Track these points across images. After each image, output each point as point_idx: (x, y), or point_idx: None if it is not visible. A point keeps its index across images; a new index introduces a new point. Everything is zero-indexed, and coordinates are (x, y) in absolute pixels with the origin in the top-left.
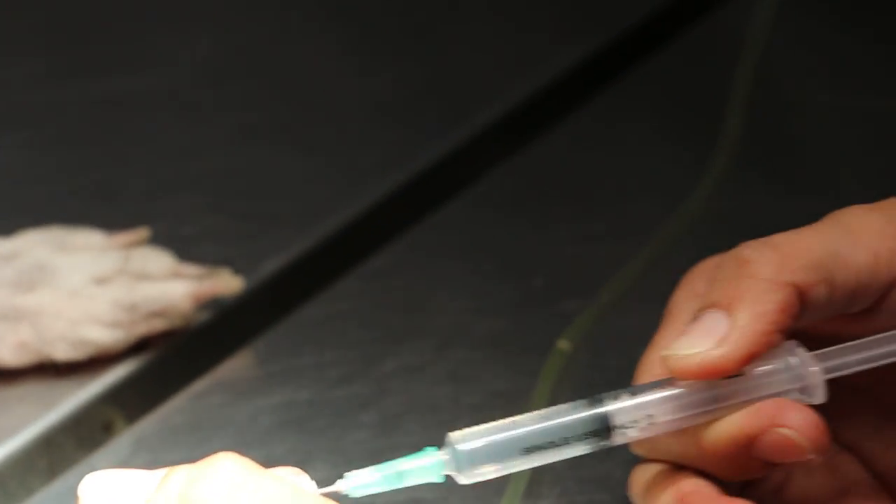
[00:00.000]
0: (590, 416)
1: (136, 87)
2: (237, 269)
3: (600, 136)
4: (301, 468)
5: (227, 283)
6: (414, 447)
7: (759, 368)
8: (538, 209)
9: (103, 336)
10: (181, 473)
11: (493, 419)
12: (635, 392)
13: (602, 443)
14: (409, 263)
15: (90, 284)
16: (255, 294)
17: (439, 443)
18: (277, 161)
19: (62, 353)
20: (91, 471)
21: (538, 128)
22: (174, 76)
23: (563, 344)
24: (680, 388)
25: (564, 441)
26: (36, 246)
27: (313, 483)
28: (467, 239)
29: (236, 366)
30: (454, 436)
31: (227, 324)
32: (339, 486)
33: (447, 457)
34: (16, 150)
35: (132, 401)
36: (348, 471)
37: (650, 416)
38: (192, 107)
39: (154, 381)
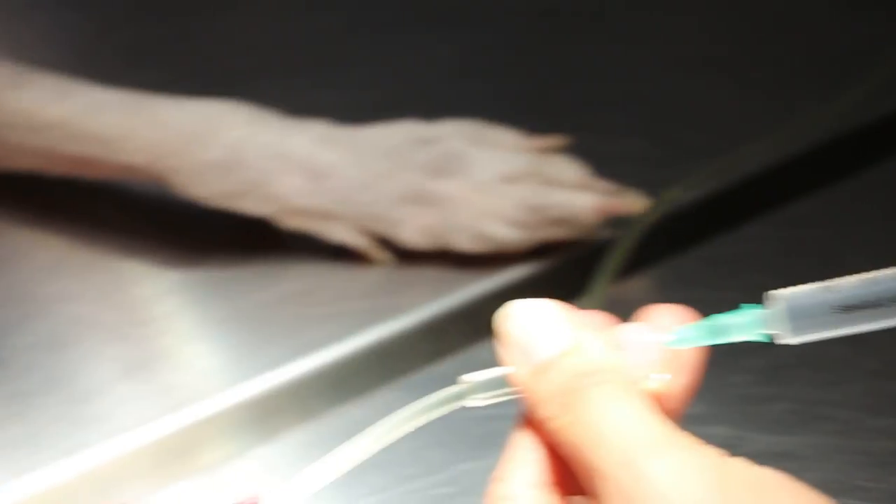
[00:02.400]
0: None
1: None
2: (649, 193)
3: None
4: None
5: (634, 204)
6: (796, 399)
7: None
8: None
9: (504, 233)
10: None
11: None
12: None
13: None
14: (825, 218)
15: (499, 181)
16: (662, 221)
17: None
18: (713, 95)
19: (463, 243)
20: (472, 364)
21: None
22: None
23: None
24: None
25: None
26: (454, 135)
27: (657, 332)
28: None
29: (632, 288)
30: (781, 293)
31: (630, 245)
32: (665, 337)
33: (774, 315)
34: (459, 48)
35: None
36: (724, 410)
37: None
38: (640, 32)
39: (546, 287)
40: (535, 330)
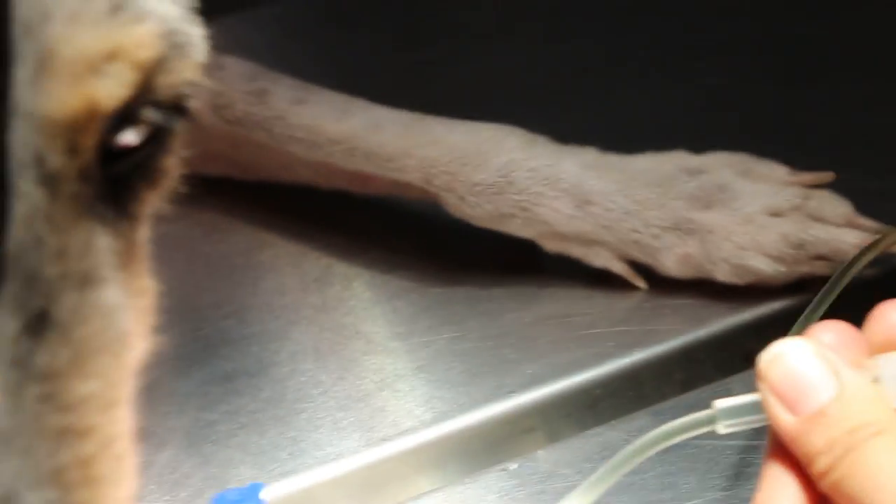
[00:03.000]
0: None
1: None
2: None
3: None
4: None
5: None
6: None
7: None
8: None
9: (766, 267)
10: None
11: None
12: None
13: None
14: None
15: (764, 214)
16: None
17: None
18: None
19: (723, 274)
20: (724, 394)
21: None
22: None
23: None
24: None
25: None
26: (721, 167)
27: None
28: None
29: None
30: None
31: (892, 283)
32: None
33: None
34: (724, 80)
35: (778, 335)
36: None
37: None
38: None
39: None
40: (799, 377)
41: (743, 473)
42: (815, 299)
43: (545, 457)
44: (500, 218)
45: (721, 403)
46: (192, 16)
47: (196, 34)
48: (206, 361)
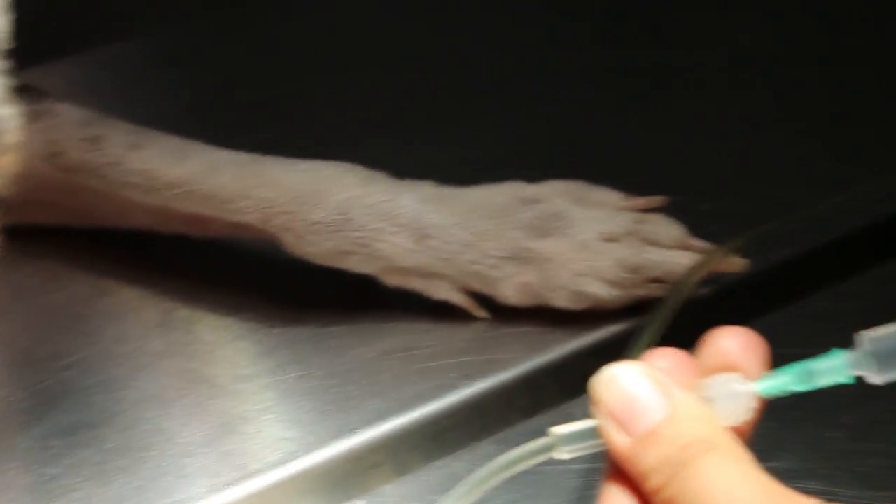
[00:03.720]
0: None
1: (674, 61)
2: (745, 252)
3: None
4: (770, 454)
5: (733, 264)
6: (890, 455)
7: None
8: None
9: (603, 291)
10: None
11: None
12: None
13: None
14: None
15: (599, 240)
16: (757, 278)
17: None
18: (805, 150)
19: (562, 300)
20: (568, 418)
21: None
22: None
23: None
24: None
25: None
26: (556, 195)
27: (746, 382)
28: None
29: None
30: (867, 333)
31: (724, 301)
32: (754, 387)
33: (856, 357)
34: (560, 108)
35: (617, 357)
36: (818, 465)
37: None
38: (734, 90)
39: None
40: (631, 399)
41: (586, 496)
42: (650, 321)
43: (392, 491)
44: (341, 255)
45: (558, 430)
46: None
47: (6, 116)
48: (48, 414)
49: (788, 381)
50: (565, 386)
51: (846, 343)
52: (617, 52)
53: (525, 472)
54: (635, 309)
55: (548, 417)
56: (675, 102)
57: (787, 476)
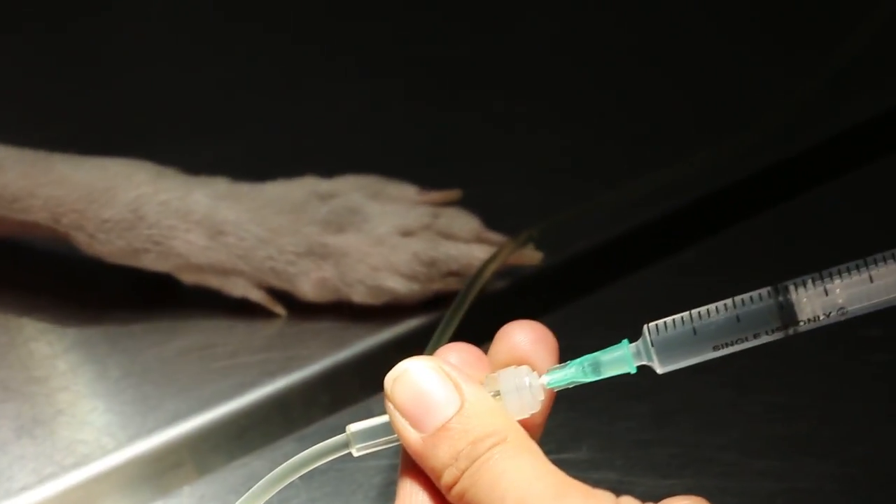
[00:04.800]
0: (779, 311)
1: (468, 56)
2: (539, 244)
3: None
4: (567, 444)
5: (528, 256)
6: (682, 443)
7: None
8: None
9: (400, 286)
10: None
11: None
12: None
13: (790, 330)
14: (711, 266)
15: (395, 234)
16: (551, 270)
17: None
18: (598, 142)
19: (360, 295)
20: (370, 414)
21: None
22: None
23: None
24: None
25: (755, 337)
26: (352, 190)
27: (534, 374)
28: (779, 247)
29: None
30: (650, 326)
31: (522, 294)
32: (542, 379)
33: (641, 348)
34: (357, 102)
35: (418, 351)
36: (614, 455)
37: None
38: (529, 80)
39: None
40: (422, 394)
41: (386, 493)
42: (447, 315)
43: (191, 491)
44: (134, 253)
45: (354, 427)
46: None
47: None
48: None
49: (576, 372)
50: (367, 382)
51: (638, 334)
52: (412, 47)
53: (326, 470)
54: (435, 303)
55: (350, 414)
56: (470, 97)
57: (583, 466)
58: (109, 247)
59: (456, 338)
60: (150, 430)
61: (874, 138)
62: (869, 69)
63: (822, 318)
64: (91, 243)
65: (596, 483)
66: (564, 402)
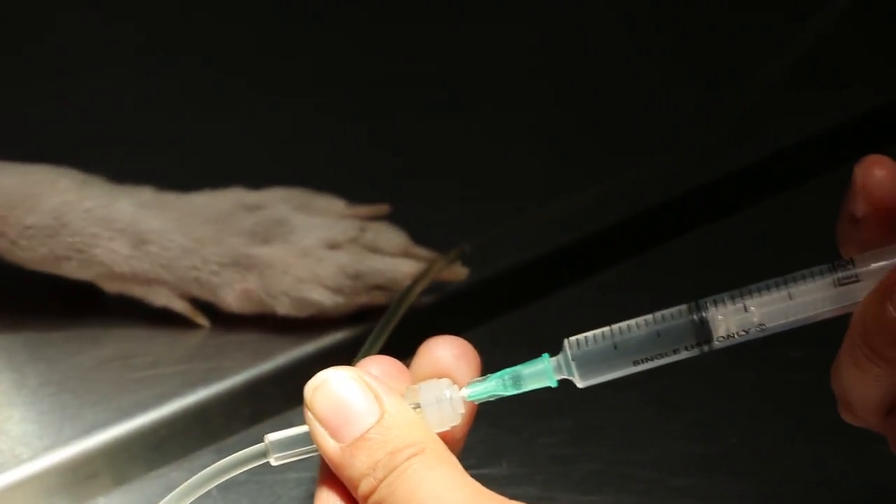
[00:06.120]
0: (699, 328)
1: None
2: (467, 260)
3: None
4: (488, 460)
5: (454, 272)
6: (602, 459)
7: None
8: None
9: (324, 298)
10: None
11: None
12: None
13: (706, 347)
14: (635, 284)
15: (321, 247)
16: (477, 287)
17: None
18: (534, 162)
19: (284, 307)
20: (291, 425)
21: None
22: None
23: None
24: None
25: (674, 352)
26: (279, 202)
27: (455, 387)
28: (700, 269)
29: None
30: (571, 340)
31: (448, 310)
32: (462, 392)
33: (562, 362)
34: (287, 116)
35: (342, 364)
36: (534, 471)
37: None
38: (459, 97)
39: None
40: (341, 404)
41: None
42: (375, 329)
43: (106, 502)
44: (56, 261)
45: (273, 436)
46: None
47: None
48: None
49: (496, 385)
50: (288, 394)
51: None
52: (343, 62)
53: (244, 481)
54: (360, 317)
55: (271, 425)
56: (400, 112)
57: (503, 482)
58: (31, 254)
59: (384, 352)
60: (67, 440)
61: (797, 163)
62: (793, 95)
63: (739, 334)
64: (12, 249)
65: (515, 498)
66: (485, 418)
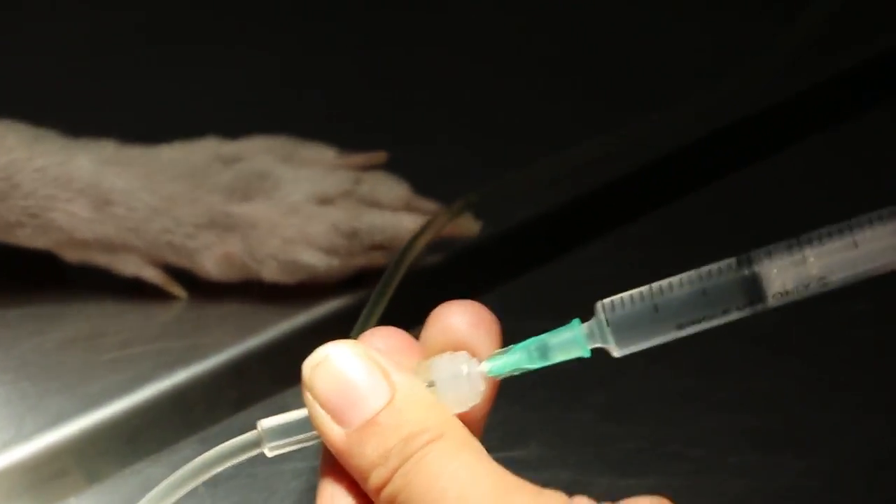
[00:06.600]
0: (750, 285)
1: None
2: (479, 213)
3: None
4: (513, 441)
5: (464, 226)
6: (643, 437)
7: None
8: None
9: (317, 261)
10: None
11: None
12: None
13: (760, 306)
14: (658, 238)
15: (311, 202)
16: (490, 242)
17: None
18: (551, 100)
19: (271, 272)
20: (282, 409)
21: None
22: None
23: None
24: None
25: (723, 313)
26: (260, 153)
27: (474, 361)
28: (742, 213)
29: None
30: (604, 303)
31: (458, 271)
32: (482, 367)
33: (595, 329)
34: (267, 57)
35: (340, 338)
36: (566, 452)
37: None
38: (468, 33)
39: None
40: (346, 384)
41: (304, 500)
42: (373, 295)
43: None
44: (7, 228)
45: (266, 423)
46: None
47: None
48: None
49: (521, 358)
50: (280, 374)
51: (590, 314)
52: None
53: (234, 475)
54: (357, 281)
55: (260, 411)
56: (398, 46)
57: (533, 466)
58: None
59: (383, 321)
60: (29, 434)
61: (861, 89)
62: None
63: (798, 290)
64: None
65: (546, 483)
66: (507, 394)
